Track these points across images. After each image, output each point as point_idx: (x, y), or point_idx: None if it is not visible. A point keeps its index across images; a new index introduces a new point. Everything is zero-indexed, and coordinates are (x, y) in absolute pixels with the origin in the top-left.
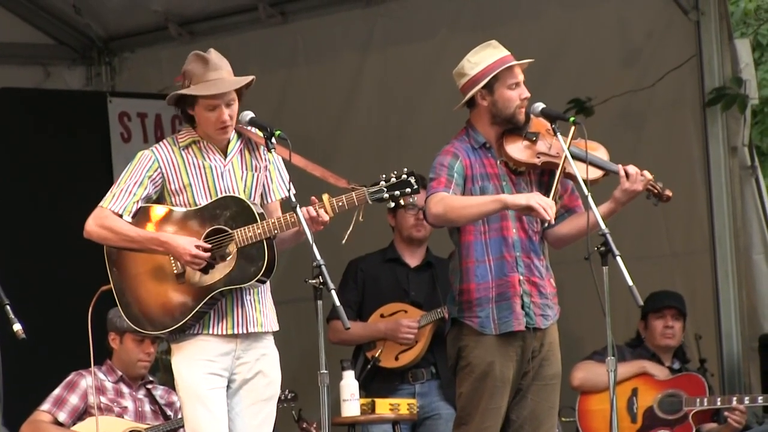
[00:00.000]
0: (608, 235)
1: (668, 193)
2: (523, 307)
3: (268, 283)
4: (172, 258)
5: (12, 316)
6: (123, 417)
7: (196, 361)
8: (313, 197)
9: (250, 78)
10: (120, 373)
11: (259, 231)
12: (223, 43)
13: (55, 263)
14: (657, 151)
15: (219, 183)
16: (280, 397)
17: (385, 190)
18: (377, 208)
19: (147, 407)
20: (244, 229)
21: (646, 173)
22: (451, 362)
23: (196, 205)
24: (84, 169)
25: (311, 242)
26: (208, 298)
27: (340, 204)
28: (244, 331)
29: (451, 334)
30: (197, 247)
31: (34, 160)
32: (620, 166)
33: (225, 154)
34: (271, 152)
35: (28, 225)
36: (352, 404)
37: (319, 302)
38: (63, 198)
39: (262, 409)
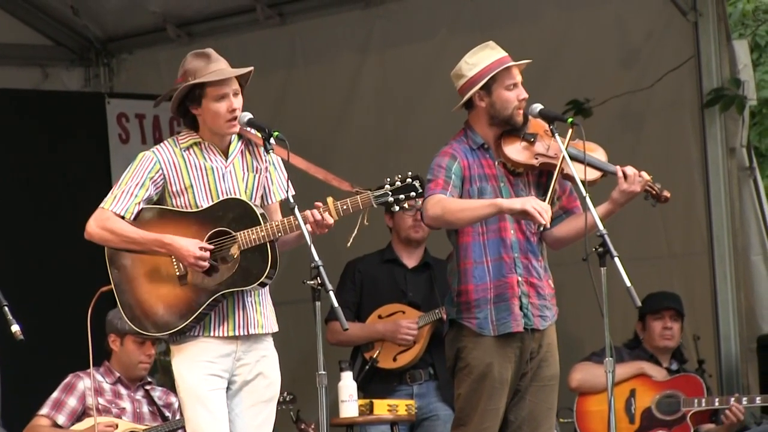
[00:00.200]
0: (606, 237)
1: (666, 194)
2: (521, 308)
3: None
4: (174, 260)
5: (10, 317)
6: (121, 418)
7: (197, 363)
8: (318, 203)
9: (250, 68)
10: (118, 375)
11: (262, 233)
12: (222, 45)
13: (54, 264)
14: (655, 152)
15: (220, 184)
16: (278, 399)
17: (390, 193)
18: (375, 209)
19: (145, 408)
20: (248, 232)
21: (644, 174)
22: (449, 363)
23: (197, 206)
24: (82, 170)
25: (309, 244)
26: (210, 300)
27: (345, 207)
28: (245, 333)
29: (449, 336)
30: (200, 248)
31: (33, 161)
32: (618, 167)
33: (226, 155)
34: (269, 153)
35: (27, 226)
36: (350, 405)
37: (318, 303)
38: (61, 199)
39: (262, 411)
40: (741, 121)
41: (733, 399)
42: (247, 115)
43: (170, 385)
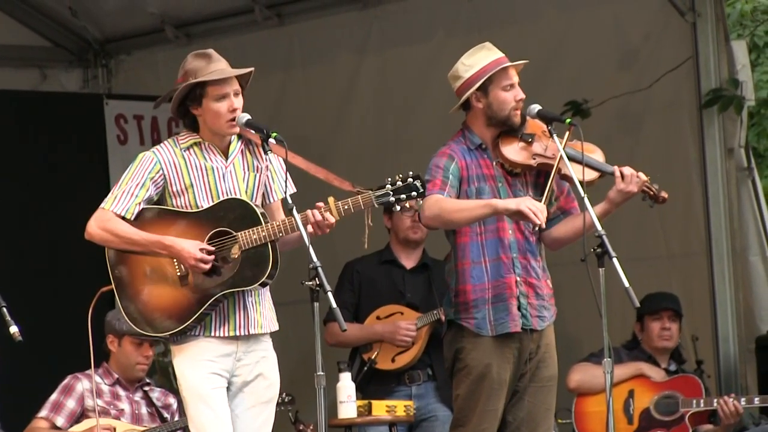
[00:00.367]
0: (605, 237)
1: (664, 194)
2: (519, 309)
3: None
4: (175, 260)
5: (9, 318)
6: (119, 420)
7: (199, 362)
8: (319, 203)
9: (251, 68)
10: (116, 376)
11: (263, 233)
12: (220, 46)
13: (53, 265)
14: (654, 153)
15: (221, 184)
16: (277, 400)
17: (392, 193)
18: (374, 210)
19: (144, 410)
20: (248, 232)
21: (641, 175)
22: (447, 364)
23: (198, 206)
24: (80, 171)
25: (308, 244)
26: (211, 301)
27: (346, 207)
28: (246, 333)
29: (447, 336)
30: (201, 250)
31: (31, 162)
32: (616, 167)
33: (226, 155)
34: (267, 154)
35: (26, 227)
36: (348, 406)
37: (316, 304)
38: (60, 200)
39: (262, 412)
40: (739, 122)
41: (731, 400)
42: (246, 116)
43: (168, 386)
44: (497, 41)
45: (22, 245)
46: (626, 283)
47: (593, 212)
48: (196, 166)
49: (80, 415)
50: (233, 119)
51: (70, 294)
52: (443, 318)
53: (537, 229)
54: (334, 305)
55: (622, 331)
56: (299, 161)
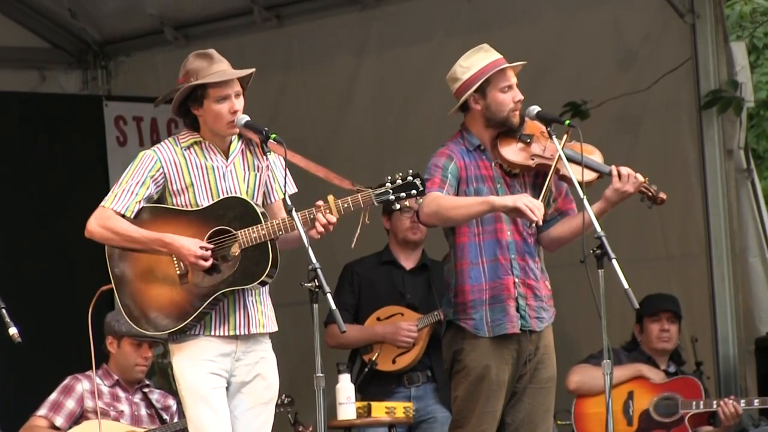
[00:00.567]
0: (604, 238)
1: (662, 195)
2: (518, 310)
3: None
4: (174, 259)
5: (8, 319)
6: (119, 421)
7: (198, 361)
8: (319, 202)
9: (252, 69)
10: (116, 377)
11: (263, 232)
12: (219, 47)
13: (53, 266)
14: (653, 154)
15: (221, 183)
16: (277, 402)
17: (391, 191)
18: (373, 210)
19: (143, 411)
20: (248, 230)
21: (639, 176)
22: (446, 365)
23: (198, 205)
24: (80, 172)
25: (307, 245)
26: (211, 299)
27: (346, 205)
28: (246, 333)
29: (446, 337)
30: (201, 248)
31: (30, 163)
32: (613, 166)
33: (227, 155)
34: (266, 155)
35: (25, 228)
36: (348, 407)
37: (315, 305)
38: (59, 201)
39: (261, 413)
40: (738, 123)
41: (731, 401)
42: (245, 118)
43: (168, 388)
44: (496, 42)
45: (22, 246)
46: (625, 285)
47: (592, 213)
48: (196, 165)
49: (79, 416)
50: (234, 120)
51: (70, 294)
52: (443, 318)
53: (533, 225)
54: (334, 307)
55: (621, 333)
56: (299, 160)
